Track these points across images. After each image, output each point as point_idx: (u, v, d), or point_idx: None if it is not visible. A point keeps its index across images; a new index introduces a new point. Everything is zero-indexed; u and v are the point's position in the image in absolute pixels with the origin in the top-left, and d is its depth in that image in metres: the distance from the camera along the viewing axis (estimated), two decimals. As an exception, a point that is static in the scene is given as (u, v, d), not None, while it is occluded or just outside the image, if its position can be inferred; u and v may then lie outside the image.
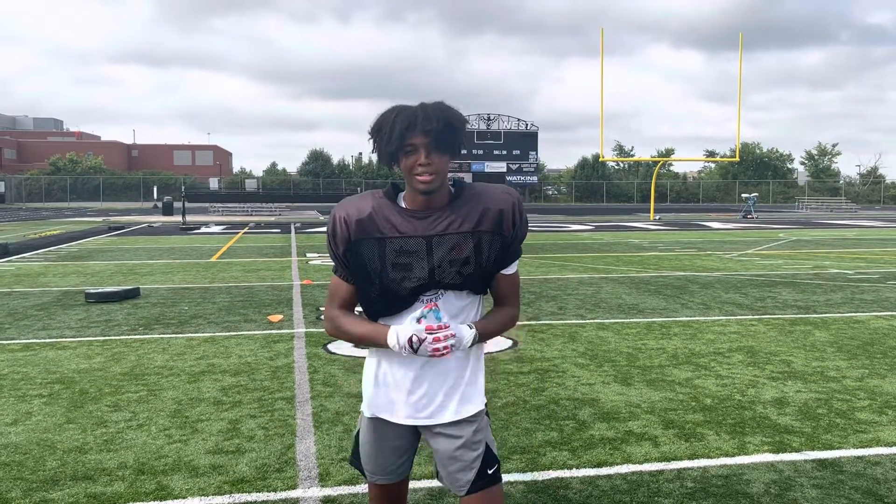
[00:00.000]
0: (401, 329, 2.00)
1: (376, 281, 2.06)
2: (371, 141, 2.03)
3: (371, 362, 2.19)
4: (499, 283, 2.15)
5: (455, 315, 2.09)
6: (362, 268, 2.06)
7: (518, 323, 2.28)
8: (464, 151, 2.14)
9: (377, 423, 2.19)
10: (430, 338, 1.96)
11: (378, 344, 2.06)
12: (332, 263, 2.17)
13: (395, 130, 1.95)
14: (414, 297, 2.06)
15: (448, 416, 2.12)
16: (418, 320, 2.01)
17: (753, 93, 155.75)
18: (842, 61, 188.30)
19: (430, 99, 2.02)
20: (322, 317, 7.69)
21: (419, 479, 3.42)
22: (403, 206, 2.07)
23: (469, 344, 2.05)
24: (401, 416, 2.13)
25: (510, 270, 2.15)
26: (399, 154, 1.97)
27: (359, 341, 2.12)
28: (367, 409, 2.20)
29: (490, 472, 2.13)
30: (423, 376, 2.10)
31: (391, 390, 2.13)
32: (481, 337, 2.09)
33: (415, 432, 2.20)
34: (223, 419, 4.35)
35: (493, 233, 2.04)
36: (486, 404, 2.20)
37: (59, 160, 64.08)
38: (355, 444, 2.30)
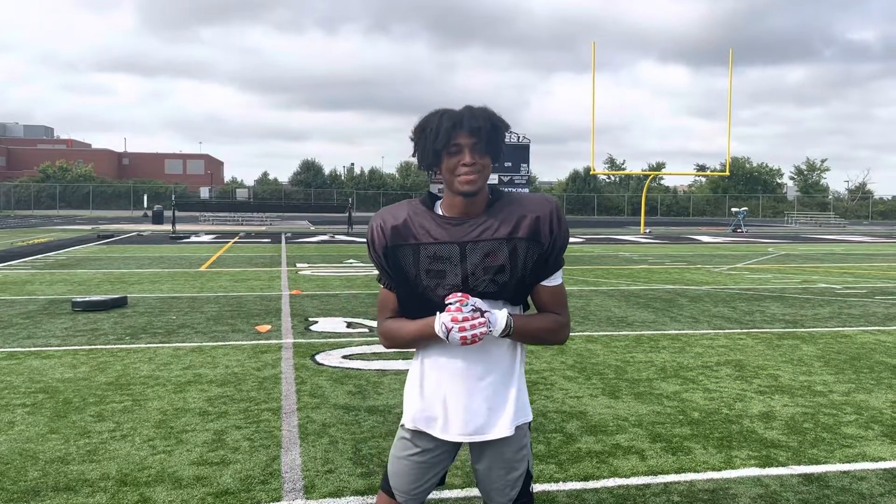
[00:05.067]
0: (442, 315, 1.97)
1: (413, 288, 2.04)
2: (413, 142, 2.02)
3: (415, 372, 2.14)
4: (540, 295, 2.09)
5: None
6: (401, 274, 2.05)
7: (569, 333, 2.19)
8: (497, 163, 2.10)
9: (419, 436, 2.11)
10: (455, 327, 1.92)
11: (429, 337, 2.02)
12: (377, 274, 2.16)
13: (441, 128, 1.95)
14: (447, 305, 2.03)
15: (499, 432, 2.06)
16: (446, 308, 1.96)
17: (740, 108, 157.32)
18: (827, 78, 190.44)
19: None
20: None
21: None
22: (440, 213, 2.05)
23: (501, 330, 1.97)
24: (448, 432, 2.06)
25: (553, 282, 2.09)
26: (443, 153, 1.96)
27: (413, 341, 2.08)
28: (408, 422, 2.12)
29: (530, 489, 2.15)
30: (472, 388, 2.04)
31: (436, 403, 2.07)
32: (517, 332, 2.01)
33: (455, 448, 2.15)
34: (208, 430, 4.32)
35: (528, 240, 2.00)
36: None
37: (48, 167, 63.77)
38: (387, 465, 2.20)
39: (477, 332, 1.92)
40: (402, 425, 2.16)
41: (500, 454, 2.10)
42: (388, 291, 2.13)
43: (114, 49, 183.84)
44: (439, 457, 2.13)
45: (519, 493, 2.11)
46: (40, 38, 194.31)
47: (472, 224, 2.01)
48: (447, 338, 1.94)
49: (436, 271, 2.01)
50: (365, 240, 2.14)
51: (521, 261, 2.00)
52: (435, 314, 2.01)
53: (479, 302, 1.97)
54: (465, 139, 1.94)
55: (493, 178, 52.75)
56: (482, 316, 1.94)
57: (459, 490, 3.46)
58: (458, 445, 2.15)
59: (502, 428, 2.06)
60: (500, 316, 1.97)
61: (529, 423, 2.16)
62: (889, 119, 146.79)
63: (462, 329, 1.92)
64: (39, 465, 3.74)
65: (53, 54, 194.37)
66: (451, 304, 1.96)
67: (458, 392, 2.05)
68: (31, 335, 7.21)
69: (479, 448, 2.12)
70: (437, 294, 2.01)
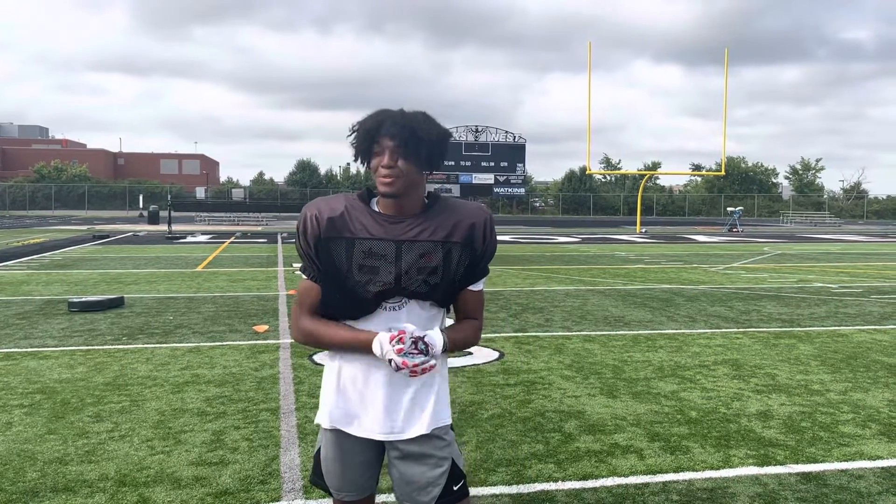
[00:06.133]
0: (384, 340, 1.96)
1: (342, 283, 2.03)
2: (349, 137, 2.06)
3: (332, 369, 2.12)
4: (465, 299, 2.14)
5: (420, 328, 2.05)
6: (331, 268, 2.04)
7: (480, 339, 2.24)
8: (444, 163, 2.13)
9: (339, 435, 2.11)
10: (407, 371, 1.95)
11: (361, 350, 2.02)
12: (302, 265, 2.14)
13: (365, 129, 2.00)
14: (377, 303, 2.03)
15: (418, 430, 2.06)
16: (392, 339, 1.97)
17: (734, 108, 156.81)
18: (821, 77, 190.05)
19: (425, 107, 2.06)
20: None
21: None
22: (377, 210, 2.07)
23: (440, 351, 2.00)
24: (366, 429, 2.07)
25: (477, 287, 2.14)
26: (370, 153, 2.01)
27: (341, 348, 2.06)
28: (325, 421, 2.11)
29: (456, 488, 2.09)
30: (391, 387, 2.05)
31: (354, 401, 2.07)
32: (450, 345, 2.05)
33: (380, 445, 2.14)
34: (207, 430, 4.31)
35: (463, 245, 2.04)
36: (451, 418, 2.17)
37: (43, 168, 63.60)
38: (316, 463, 2.20)
39: (428, 369, 1.97)
40: (320, 426, 2.14)
41: (421, 450, 2.08)
42: (312, 283, 2.09)
43: (108, 49, 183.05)
44: (364, 455, 2.11)
45: (442, 490, 2.07)
46: (34, 38, 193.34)
47: (409, 224, 2.03)
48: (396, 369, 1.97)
49: (369, 267, 2.01)
50: (297, 228, 2.10)
51: (454, 265, 2.04)
52: (354, 317, 2.04)
53: (415, 331, 1.98)
54: (385, 142, 1.98)
55: (490, 178, 52.83)
56: (423, 344, 1.97)
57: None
58: (382, 445, 2.13)
59: (420, 427, 2.06)
60: (436, 338, 2.00)
61: (450, 425, 2.14)
62: (883, 119, 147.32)
63: (413, 373, 1.95)
64: (38, 466, 3.74)
65: (47, 54, 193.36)
66: (394, 344, 1.96)
67: (377, 390, 2.05)
68: (28, 336, 7.19)
69: (398, 447, 2.09)
70: (368, 290, 2.01)
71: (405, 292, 2.01)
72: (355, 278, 2.02)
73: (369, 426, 2.06)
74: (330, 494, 2.18)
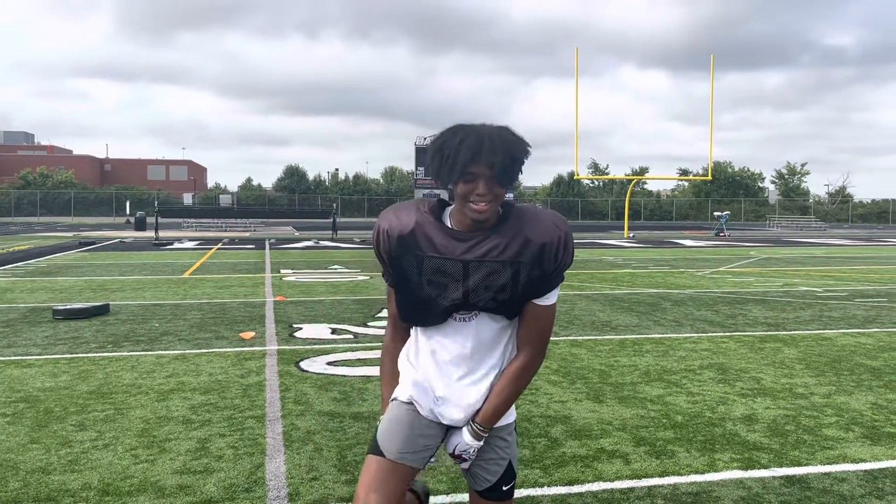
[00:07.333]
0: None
1: (413, 293, 2.06)
2: (429, 156, 1.98)
3: (404, 359, 2.18)
4: (528, 312, 2.05)
5: (491, 338, 2.07)
6: (404, 279, 2.07)
7: (541, 363, 2.17)
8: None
9: (412, 409, 2.14)
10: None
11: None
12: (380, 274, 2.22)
13: (458, 158, 1.90)
14: (447, 315, 2.05)
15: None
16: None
17: (720, 113, 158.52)
18: (804, 83, 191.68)
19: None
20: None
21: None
22: (449, 224, 2.03)
23: (475, 445, 2.09)
24: (435, 415, 2.12)
25: (546, 301, 2.05)
26: (458, 179, 1.93)
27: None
28: (403, 396, 2.15)
29: (505, 488, 2.16)
30: (466, 384, 2.08)
31: (428, 390, 2.12)
32: (494, 416, 2.08)
33: (443, 430, 2.16)
34: (192, 438, 4.29)
35: (532, 265, 1.98)
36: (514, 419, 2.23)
37: (29, 174, 63.17)
38: (375, 436, 2.17)
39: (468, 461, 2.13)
40: (395, 398, 2.17)
41: (486, 443, 2.14)
42: (392, 288, 2.16)
43: (92, 54, 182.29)
44: (430, 429, 2.13)
45: (492, 486, 2.14)
46: (17, 43, 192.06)
47: (478, 241, 1.99)
48: None
49: (438, 283, 2.01)
50: (371, 238, 2.17)
51: (523, 283, 2.00)
52: (424, 326, 2.09)
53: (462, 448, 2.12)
54: (481, 170, 1.90)
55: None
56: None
57: (445, 496, 3.46)
58: (445, 429, 2.17)
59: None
60: (467, 437, 2.09)
61: (514, 424, 2.19)
62: (866, 123, 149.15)
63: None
64: (20, 476, 3.70)
65: (31, 59, 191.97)
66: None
67: (451, 390, 2.09)
68: (12, 344, 7.13)
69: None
70: (437, 304, 2.02)
71: (475, 307, 2.02)
72: (426, 291, 2.03)
73: (439, 412, 2.11)
74: (383, 457, 2.10)
